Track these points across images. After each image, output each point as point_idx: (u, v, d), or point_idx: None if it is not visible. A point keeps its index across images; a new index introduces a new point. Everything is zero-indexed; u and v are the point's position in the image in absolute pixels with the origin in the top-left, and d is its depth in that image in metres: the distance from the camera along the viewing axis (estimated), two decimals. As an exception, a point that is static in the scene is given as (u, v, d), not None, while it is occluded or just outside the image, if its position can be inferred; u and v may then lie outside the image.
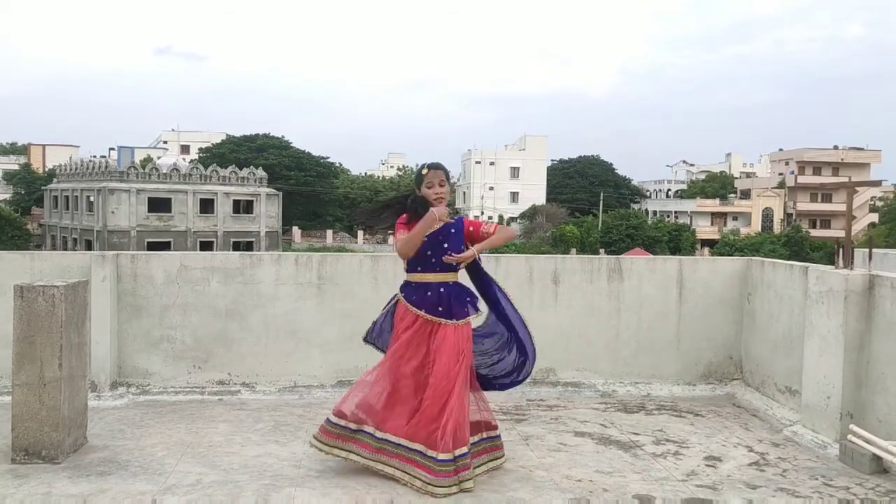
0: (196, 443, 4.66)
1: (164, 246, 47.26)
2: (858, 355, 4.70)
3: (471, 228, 4.23)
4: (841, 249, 4.96)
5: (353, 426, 4.11)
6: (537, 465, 4.37)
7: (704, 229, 74.71)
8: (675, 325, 6.24)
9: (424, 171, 4.16)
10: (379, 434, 4.05)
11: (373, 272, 6.01)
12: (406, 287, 4.20)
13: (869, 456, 4.30)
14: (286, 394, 5.81)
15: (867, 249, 5.85)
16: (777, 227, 73.22)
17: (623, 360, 6.22)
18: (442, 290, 4.11)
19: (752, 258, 6.35)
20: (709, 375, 6.27)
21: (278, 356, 5.94)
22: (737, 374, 6.26)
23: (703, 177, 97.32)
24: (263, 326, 5.94)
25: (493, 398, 5.76)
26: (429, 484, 3.83)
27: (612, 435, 5.00)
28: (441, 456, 3.85)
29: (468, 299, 4.20)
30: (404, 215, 4.16)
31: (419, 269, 4.14)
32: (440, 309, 4.09)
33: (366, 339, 4.45)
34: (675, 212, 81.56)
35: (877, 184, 67.38)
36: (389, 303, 4.34)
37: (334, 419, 4.15)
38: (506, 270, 6.11)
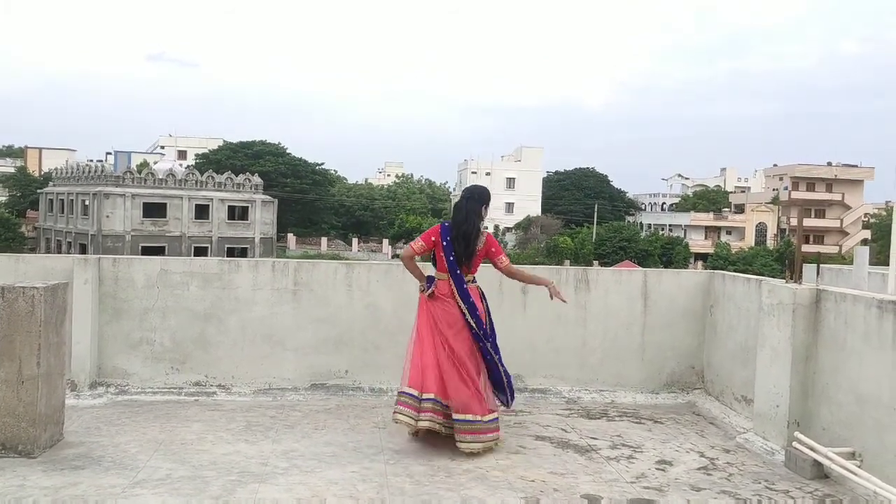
0: (169, 440, 4.85)
1: (159, 251, 47.30)
2: (805, 366, 4.91)
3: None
4: (791, 264, 5.17)
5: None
6: (494, 467, 4.56)
7: (698, 243, 75.05)
8: (640, 334, 6.45)
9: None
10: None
11: (347, 279, 6.20)
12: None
13: (810, 462, 4.51)
14: (260, 395, 5.99)
15: (816, 265, 6.07)
16: (770, 242, 73.58)
17: (589, 368, 6.42)
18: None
19: (715, 272, 6.56)
20: (672, 384, 6.47)
21: (254, 359, 6.13)
22: (699, 384, 6.46)
23: (699, 190, 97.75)
24: (240, 330, 6.13)
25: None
26: None
27: (570, 439, 5.19)
28: None
29: None
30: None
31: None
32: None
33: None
34: (670, 225, 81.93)
35: (847, 206, 73.27)
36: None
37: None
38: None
